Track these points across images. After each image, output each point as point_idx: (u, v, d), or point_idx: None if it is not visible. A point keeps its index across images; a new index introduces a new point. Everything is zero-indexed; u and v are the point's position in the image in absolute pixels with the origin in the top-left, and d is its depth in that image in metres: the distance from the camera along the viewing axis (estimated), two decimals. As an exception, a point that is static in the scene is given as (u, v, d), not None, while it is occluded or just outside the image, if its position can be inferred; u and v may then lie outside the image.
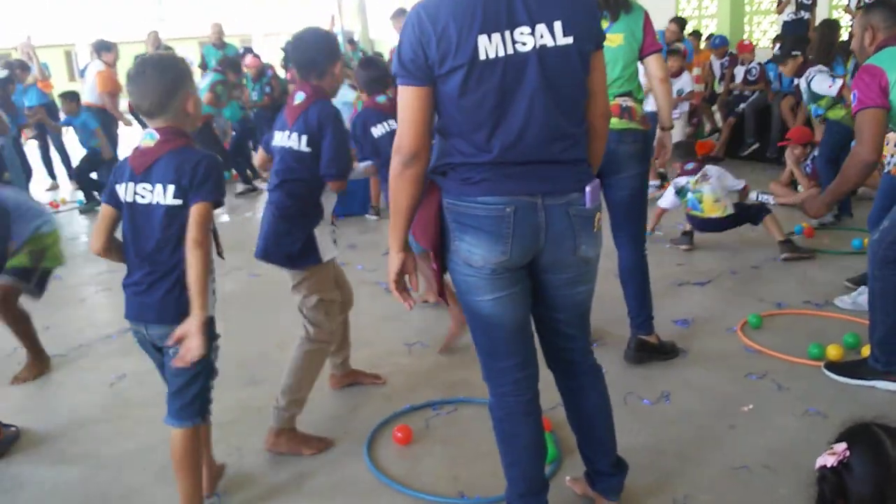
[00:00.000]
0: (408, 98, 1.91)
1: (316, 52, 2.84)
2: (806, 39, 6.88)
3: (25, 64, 9.20)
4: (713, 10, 12.23)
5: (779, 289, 4.39)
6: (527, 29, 1.83)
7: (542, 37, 1.84)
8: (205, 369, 2.34)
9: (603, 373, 2.27)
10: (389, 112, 3.87)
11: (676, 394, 3.20)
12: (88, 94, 8.42)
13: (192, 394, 2.33)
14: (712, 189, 5.01)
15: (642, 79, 3.39)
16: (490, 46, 1.82)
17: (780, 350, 3.51)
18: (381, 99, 4.04)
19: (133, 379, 3.71)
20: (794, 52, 6.53)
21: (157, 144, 2.23)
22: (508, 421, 2.15)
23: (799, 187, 6.36)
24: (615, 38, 3.19)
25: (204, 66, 10.28)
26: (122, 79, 9.11)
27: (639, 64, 3.30)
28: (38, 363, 3.89)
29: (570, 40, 1.87)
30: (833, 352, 3.39)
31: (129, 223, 2.29)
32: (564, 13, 1.86)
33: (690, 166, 5.21)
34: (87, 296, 5.20)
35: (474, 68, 1.83)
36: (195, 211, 2.18)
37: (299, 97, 2.83)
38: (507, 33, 1.83)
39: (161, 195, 2.21)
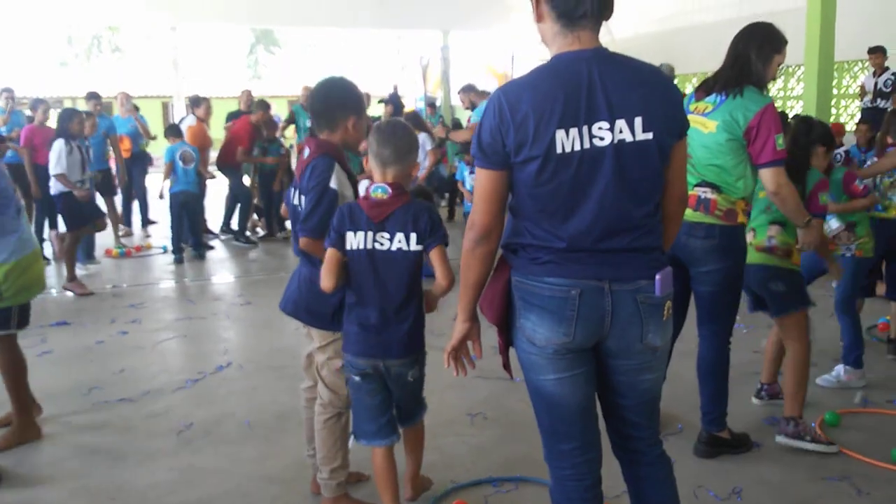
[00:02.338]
0: (484, 180, 1.97)
1: (328, 103, 2.76)
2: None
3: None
4: (799, 92, 12.06)
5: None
6: (606, 124, 1.85)
7: (620, 132, 1.86)
8: (421, 377, 2.73)
9: (672, 465, 2.19)
10: None
11: (749, 490, 3.05)
12: None
13: (417, 395, 2.77)
14: None
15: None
16: (567, 140, 1.85)
17: (861, 451, 3.33)
18: None
19: (201, 428, 3.77)
20: None
21: (390, 198, 2.51)
22: None
23: None
24: (708, 124, 3.06)
25: (292, 121, 10.65)
26: (213, 132, 9.57)
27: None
28: (23, 427, 3.58)
29: (649, 136, 1.88)
30: (919, 458, 3.20)
31: (369, 268, 2.54)
32: (646, 108, 1.88)
33: None
34: (163, 341, 5.34)
35: (549, 160, 1.87)
36: (436, 254, 2.53)
37: (306, 153, 2.77)
38: (586, 128, 1.85)
39: (403, 243, 2.51)
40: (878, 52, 9.02)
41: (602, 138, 1.86)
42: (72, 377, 4.58)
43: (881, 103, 8.98)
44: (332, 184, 2.66)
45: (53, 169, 6.67)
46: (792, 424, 3.37)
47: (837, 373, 4.19)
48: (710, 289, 3.19)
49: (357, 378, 2.63)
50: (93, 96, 9.26)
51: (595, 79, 1.86)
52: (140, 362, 4.84)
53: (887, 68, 9.00)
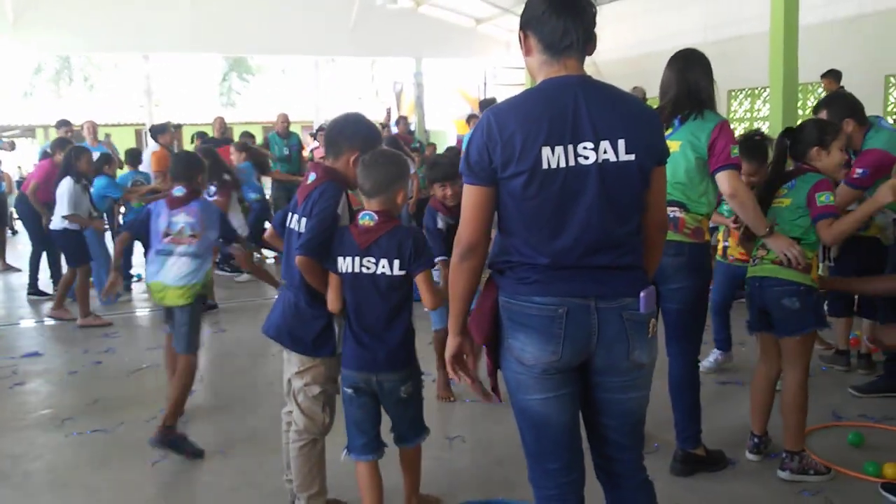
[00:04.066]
0: (471, 196, 2.01)
1: (338, 134, 2.84)
2: None
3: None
4: (765, 113, 12.31)
5: (832, 399, 4.25)
6: (590, 144, 1.92)
7: (605, 152, 1.93)
8: (417, 396, 2.82)
9: (654, 490, 2.20)
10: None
11: (724, 507, 3.09)
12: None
13: (413, 415, 2.82)
14: None
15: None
16: (553, 157, 1.91)
17: (835, 463, 3.37)
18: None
19: (176, 459, 3.71)
20: None
21: (376, 224, 2.63)
22: None
23: None
24: (671, 145, 3.13)
25: (266, 148, 10.64)
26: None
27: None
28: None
29: (631, 157, 1.95)
30: (890, 470, 3.24)
31: (358, 289, 2.66)
32: (629, 131, 1.95)
33: None
34: (138, 371, 5.28)
35: (535, 175, 1.92)
36: (422, 279, 2.64)
37: (311, 177, 2.83)
38: (571, 147, 1.92)
39: (387, 268, 2.61)
40: (829, 77, 9.10)
41: (587, 157, 1.92)
42: (44, 409, 4.52)
43: None
44: (339, 209, 2.73)
45: (65, 209, 6.45)
46: (797, 460, 3.26)
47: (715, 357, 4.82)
48: (678, 306, 3.24)
49: (350, 391, 2.72)
50: (63, 123, 9.19)
51: (581, 102, 1.94)
52: (114, 392, 4.78)
53: (842, 87, 9.08)
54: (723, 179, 3.09)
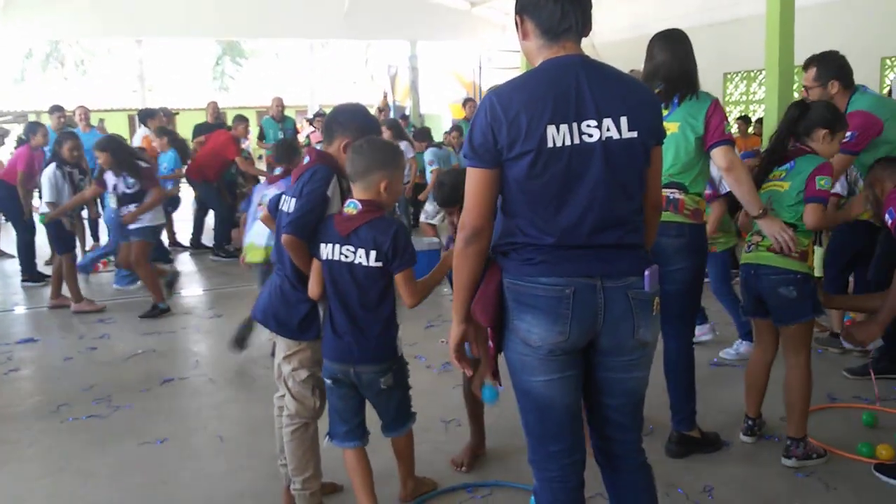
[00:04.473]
0: (475, 179, 2.00)
1: (333, 120, 2.85)
2: None
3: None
4: (761, 96, 12.29)
5: (827, 381, 4.27)
6: (594, 122, 1.92)
7: (608, 130, 1.93)
8: (400, 387, 2.76)
9: (653, 473, 2.21)
10: None
11: (720, 489, 3.10)
12: None
13: (396, 405, 2.78)
14: None
15: (714, 171, 3.27)
16: (558, 136, 1.91)
17: (830, 444, 3.38)
18: None
19: (172, 443, 3.73)
20: None
21: (359, 213, 2.57)
22: None
23: None
24: (669, 126, 3.12)
25: (262, 136, 10.58)
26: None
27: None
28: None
29: (634, 134, 1.95)
30: (884, 452, 3.26)
31: (336, 278, 2.63)
32: (630, 109, 1.96)
33: None
34: (133, 356, 5.26)
35: (541, 154, 1.92)
36: (401, 279, 2.60)
37: (306, 160, 2.85)
38: (575, 125, 1.92)
39: (363, 258, 2.57)
40: None
41: (591, 135, 1.93)
42: (40, 395, 4.51)
43: None
44: (329, 192, 2.71)
45: (46, 196, 6.42)
46: (802, 446, 3.23)
47: (737, 347, 4.72)
48: (676, 287, 3.23)
49: (329, 381, 2.71)
50: (56, 109, 9.12)
51: (582, 81, 1.94)
52: (109, 378, 4.77)
53: None
54: (719, 154, 3.12)
